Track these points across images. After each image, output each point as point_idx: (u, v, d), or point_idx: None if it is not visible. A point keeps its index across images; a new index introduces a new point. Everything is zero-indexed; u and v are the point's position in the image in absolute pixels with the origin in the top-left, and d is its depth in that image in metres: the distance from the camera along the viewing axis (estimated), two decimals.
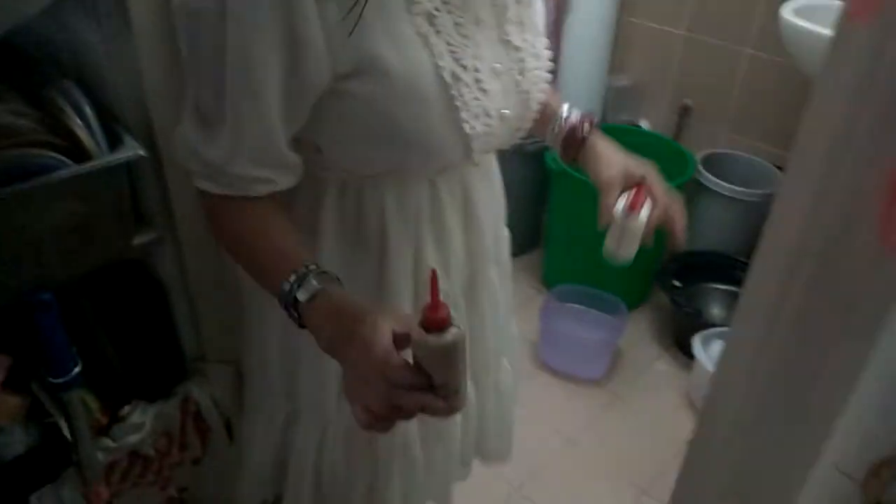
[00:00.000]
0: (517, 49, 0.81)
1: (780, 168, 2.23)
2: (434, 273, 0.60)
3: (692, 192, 2.24)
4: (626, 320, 2.09)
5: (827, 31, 1.79)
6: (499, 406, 1.14)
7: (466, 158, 0.80)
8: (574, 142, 0.97)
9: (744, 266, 2.26)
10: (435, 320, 0.60)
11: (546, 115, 0.97)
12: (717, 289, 2.26)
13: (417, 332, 0.61)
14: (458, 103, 0.75)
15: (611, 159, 0.95)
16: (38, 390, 1.00)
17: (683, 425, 1.97)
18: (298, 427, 1.00)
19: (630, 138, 1.60)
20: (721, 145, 2.39)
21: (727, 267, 2.24)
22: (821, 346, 0.53)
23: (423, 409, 0.62)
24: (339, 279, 0.72)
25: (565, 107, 0.99)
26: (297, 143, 0.76)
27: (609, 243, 0.93)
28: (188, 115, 0.73)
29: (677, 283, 2.22)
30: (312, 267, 0.70)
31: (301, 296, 0.69)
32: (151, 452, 1.12)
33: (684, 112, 2.47)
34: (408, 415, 0.63)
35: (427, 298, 0.60)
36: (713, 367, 1.91)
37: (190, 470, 1.21)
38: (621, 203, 0.91)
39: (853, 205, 0.45)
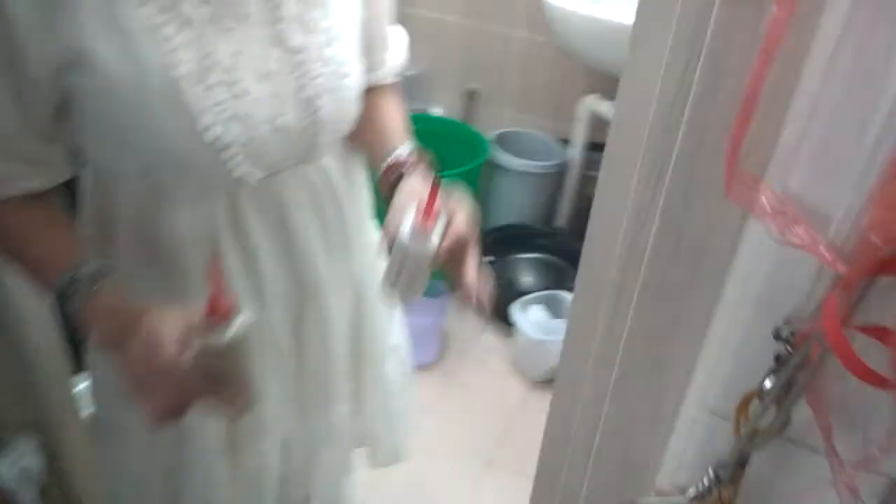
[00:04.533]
0: (296, 51, 0.75)
1: (565, 141, 2.41)
2: (215, 261, 0.63)
3: (489, 171, 2.36)
4: (449, 301, 2.17)
5: (587, 11, 1.95)
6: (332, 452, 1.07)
7: (229, 175, 0.72)
8: (391, 179, 0.85)
9: (544, 234, 2.44)
10: (218, 312, 0.60)
11: (377, 149, 0.88)
12: (524, 258, 2.40)
13: (201, 326, 0.61)
14: (193, 106, 0.67)
15: (413, 188, 0.80)
16: None
17: (514, 391, 2.10)
18: None
19: (424, 125, 1.65)
20: (509, 125, 2.53)
21: (530, 236, 2.39)
22: (674, 300, 0.58)
23: (217, 408, 0.65)
24: (112, 272, 0.71)
25: (401, 147, 0.86)
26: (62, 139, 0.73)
27: (385, 276, 0.75)
28: None
29: (489, 259, 2.33)
30: (83, 267, 0.70)
31: (74, 296, 0.69)
32: None
33: (471, 96, 2.58)
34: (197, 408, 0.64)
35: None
36: (533, 332, 2.05)
37: None
38: (407, 225, 0.72)
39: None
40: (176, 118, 0.68)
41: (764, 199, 0.46)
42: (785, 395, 0.51)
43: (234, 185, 0.77)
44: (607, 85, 2.25)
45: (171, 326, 0.62)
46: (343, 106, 0.81)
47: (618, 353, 0.63)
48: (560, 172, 2.40)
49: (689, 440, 0.61)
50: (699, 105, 0.51)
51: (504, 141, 2.43)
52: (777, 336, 0.50)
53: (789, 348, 0.50)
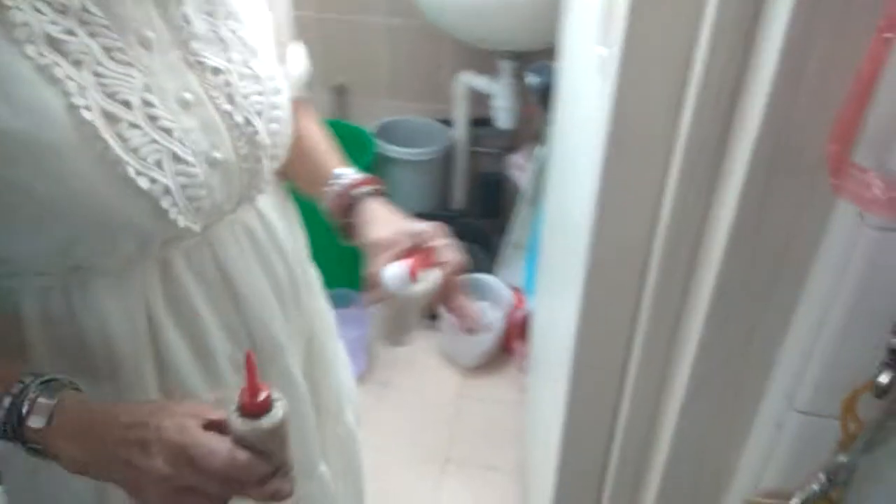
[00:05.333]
0: (216, 71, 0.65)
1: (446, 122, 2.36)
2: (249, 355, 0.55)
3: (377, 164, 2.27)
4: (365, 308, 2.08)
5: None
6: None
7: (172, 227, 0.62)
8: (345, 203, 0.80)
9: (444, 218, 2.37)
10: (257, 405, 0.56)
11: (321, 175, 0.82)
12: None
13: (238, 420, 0.56)
14: (118, 151, 0.57)
15: (385, 219, 0.77)
16: None
17: (450, 382, 2.07)
18: None
19: None
20: (385, 114, 2.44)
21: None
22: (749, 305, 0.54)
23: (273, 496, 0.58)
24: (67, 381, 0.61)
25: (342, 168, 0.83)
26: None
27: (382, 326, 0.74)
28: None
29: None
30: (28, 380, 0.58)
31: (32, 420, 0.57)
32: None
33: (340, 91, 2.46)
34: None
35: None
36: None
37: None
38: (394, 270, 0.70)
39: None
40: (97, 171, 0.57)
41: (876, 189, 0.43)
42: None
43: (169, 246, 0.66)
44: (479, 59, 2.22)
45: (201, 430, 0.56)
46: (278, 128, 0.71)
47: (684, 366, 0.60)
48: (448, 154, 2.36)
49: (777, 443, 0.59)
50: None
51: (386, 132, 2.34)
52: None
53: None
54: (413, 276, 0.69)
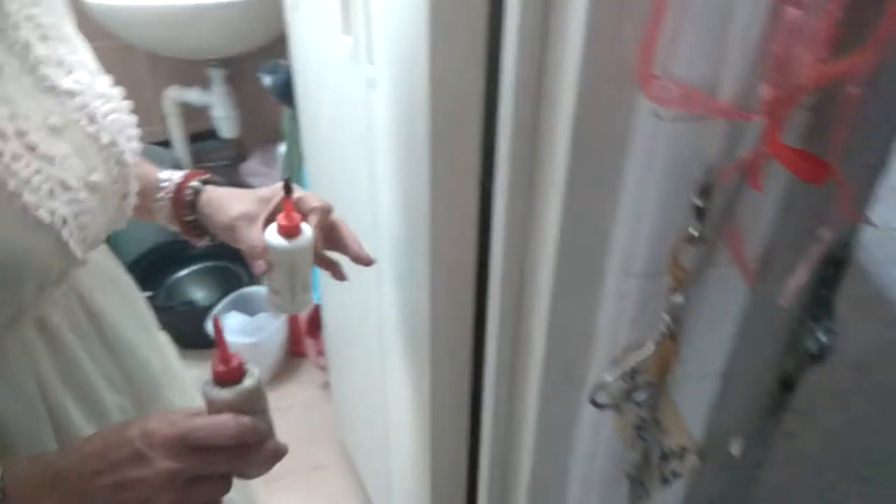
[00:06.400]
0: (71, 94, 0.62)
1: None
2: (216, 321, 0.58)
3: None
4: None
5: (133, 3, 1.79)
6: None
7: (73, 260, 0.59)
8: (184, 202, 0.79)
9: (183, 245, 2.25)
10: (234, 370, 0.58)
11: (145, 189, 0.77)
12: (185, 275, 2.24)
13: (221, 392, 0.57)
14: (11, 185, 0.53)
15: (234, 196, 0.78)
16: None
17: None
18: None
19: None
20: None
21: (177, 252, 2.22)
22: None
23: (275, 455, 0.60)
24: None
25: (163, 172, 0.81)
26: None
27: (276, 292, 0.75)
28: None
29: (148, 294, 2.10)
30: None
31: None
32: None
33: None
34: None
35: None
36: (243, 338, 1.93)
37: None
38: (272, 232, 0.71)
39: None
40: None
41: (674, 90, 0.55)
42: (711, 234, 0.63)
43: (43, 295, 0.61)
44: (182, 71, 2.13)
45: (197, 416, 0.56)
46: (138, 146, 0.69)
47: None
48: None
49: (624, 306, 0.71)
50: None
51: None
52: (701, 190, 0.61)
53: (706, 199, 0.62)
54: (291, 231, 0.70)
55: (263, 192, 0.76)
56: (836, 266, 0.67)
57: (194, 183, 0.79)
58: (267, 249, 0.71)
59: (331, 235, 0.78)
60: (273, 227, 0.71)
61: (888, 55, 0.51)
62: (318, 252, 0.75)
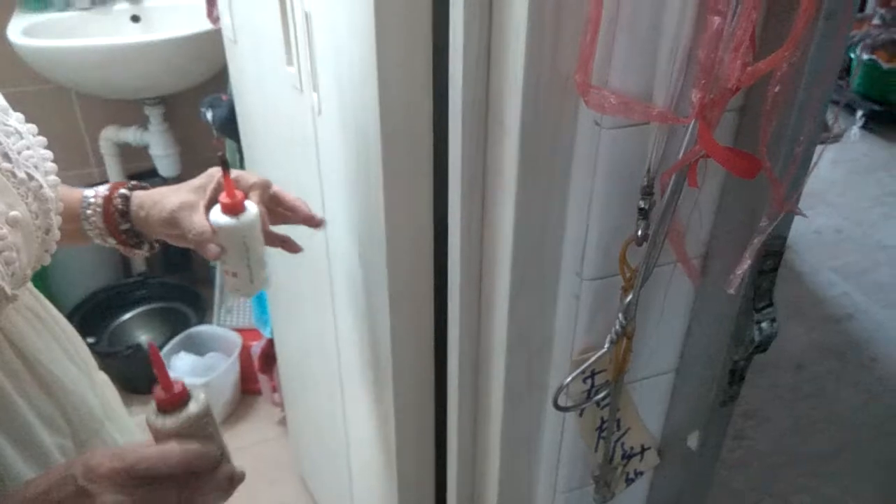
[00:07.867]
0: None
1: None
2: (152, 347, 0.58)
3: None
4: None
5: (65, 43, 1.77)
6: None
7: (2, 297, 0.58)
8: (114, 210, 0.78)
9: (133, 286, 2.21)
10: (177, 396, 0.57)
11: (71, 210, 0.75)
12: (128, 319, 2.19)
13: (166, 419, 0.56)
14: None
15: (168, 192, 0.77)
16: None
17: None
18: None
19: None
20: None
21: (119, 296, 2.19)
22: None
23: (230, 482, 0.60)
24: None
25: (87, 190, 0.79)
26: None
27: (233, 274, 0.75)
28: None
29: (91, 340, 2.04)
30: None
31: None
32: None
33: None
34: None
35: None
36: (195, 378, 1.89)
37: None
38: (217, 213, 0.72)
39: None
40: None
41: (612, 100, 0.58)
42: (655, 233, 0.67)
43: None
44: (119, 111, 2.09)
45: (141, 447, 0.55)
46: (56, 180, 0.68)
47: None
48: None
49: (579, 309, 0.73)
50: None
51: None
52: (644, 192, 0.65)
53: (649, 200, 0.65)
54: (235, 207, 0.72)
55: (196, 181, 0.77)
56: (773, 258, 0.71)
57: (122, 191, 0.78)
58: (216, 232, 0.72)
59: (276, 210, 0.79)
60: (217, 208, 0.72)
61: (805, 53, 0.55)
62: (266, 230, 0.76)
